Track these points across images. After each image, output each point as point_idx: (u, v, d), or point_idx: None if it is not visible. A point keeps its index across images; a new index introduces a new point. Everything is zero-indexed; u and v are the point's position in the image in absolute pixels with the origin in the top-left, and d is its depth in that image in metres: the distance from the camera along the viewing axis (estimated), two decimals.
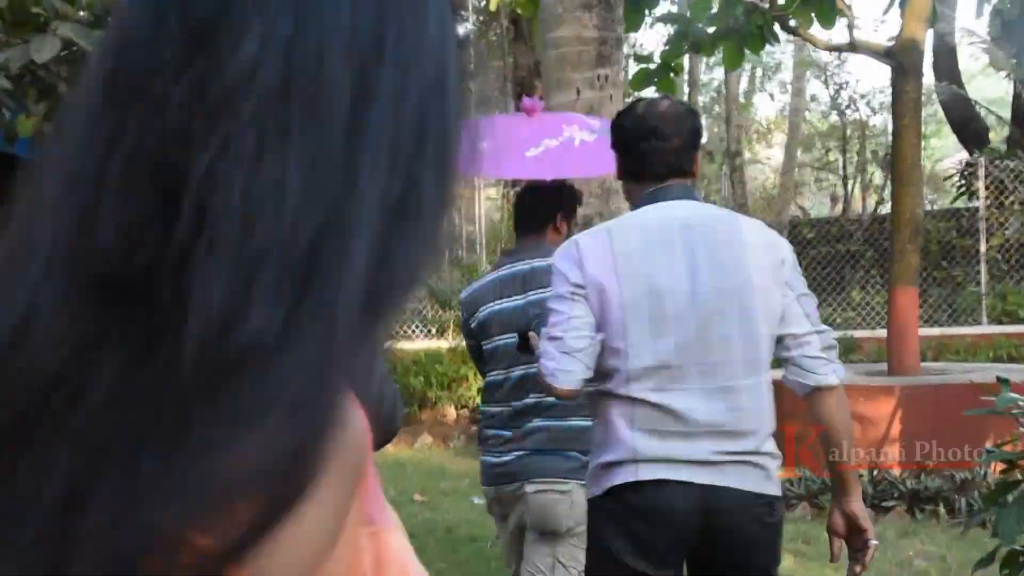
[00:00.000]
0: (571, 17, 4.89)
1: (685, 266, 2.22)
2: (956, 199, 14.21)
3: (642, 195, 2.34)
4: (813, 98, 19.01)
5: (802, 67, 18.30)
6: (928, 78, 17.02)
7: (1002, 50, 14.59)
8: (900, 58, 7.51)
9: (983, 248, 11.53)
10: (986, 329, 10.89)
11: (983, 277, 11.48)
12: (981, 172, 11.74)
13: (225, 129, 0.49)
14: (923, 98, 17.41)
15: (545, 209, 3.11)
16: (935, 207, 14.23)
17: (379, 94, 0.52)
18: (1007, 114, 14.67)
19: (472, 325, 3.14)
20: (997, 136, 15.71)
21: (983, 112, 16.03)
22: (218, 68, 0.50)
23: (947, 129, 18.07)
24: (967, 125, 15.69)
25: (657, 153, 2.30)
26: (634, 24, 7.75)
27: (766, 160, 21.48)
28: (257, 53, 0.50)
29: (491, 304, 3.06)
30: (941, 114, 17.03)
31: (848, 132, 16.24)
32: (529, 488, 2.98)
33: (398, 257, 0.53)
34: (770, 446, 2.25)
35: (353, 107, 0.51)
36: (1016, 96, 14.05)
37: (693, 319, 2.20)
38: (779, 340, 2.26)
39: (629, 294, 2.21)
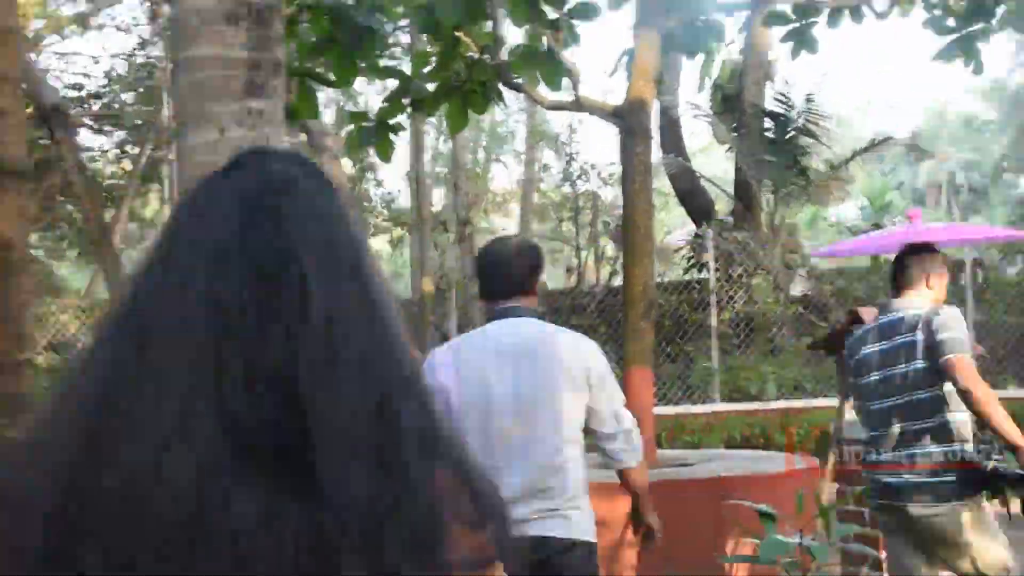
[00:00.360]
0: (210, 32, 3.68)
1: (511, 372, 2.88)
2: (687, 271, 14.13)
3: (494, 311, 3.00)
4: (546, 168, 18.78)
5: (535, 137, 18.05)
6: (655, 152, 17.25)
7: (724, 124, 14.82)
8: (628, 118, 6.89)
9: (714, 322, 11.29)
10: (719, 407, 10.56)
11: (714, 352, 11.21)
12: (710, 244, 11.57)
13: (313, 355, 0.80)
14: (651, 169, 17.69)
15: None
16: (665, 280, 14.07)
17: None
18: (730, 189, 14.87)
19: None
20: (722, 209, 15.95)
21: (708, 186, 16.27)
22: (303, 316, 0.81)
23: (674, 202, 18.33)
24: (694, 198, 15.83)
25: (500, 277, 2.99)
26: (345, 79, 6.76)
27: (502, 230, 21.12)
28: (326, 309, 0.82)
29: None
30: (668, 187, 17.24)
31: (580, 202, 16.00)
32: None
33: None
34: (576, 503, 2.90)
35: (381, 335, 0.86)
36: (738, 170, 14.26)
37: (513, 414, 2.86)
38: (593, 432, 2.97)
39: (467, 391, 2.89)
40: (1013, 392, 11.24)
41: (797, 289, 12.92)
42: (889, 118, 42.53)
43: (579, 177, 16.02)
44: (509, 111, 20.56)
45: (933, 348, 3.42)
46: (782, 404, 10.66)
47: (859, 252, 8.16)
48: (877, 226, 13.39)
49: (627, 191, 6.91)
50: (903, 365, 3.50)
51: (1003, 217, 33.68)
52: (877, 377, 3.58)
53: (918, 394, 3.48)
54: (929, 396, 3.46)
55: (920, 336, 3.46)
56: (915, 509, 3.40)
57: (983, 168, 42.07)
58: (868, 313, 4.20)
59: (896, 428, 3.51)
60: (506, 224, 21.64)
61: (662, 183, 18.37)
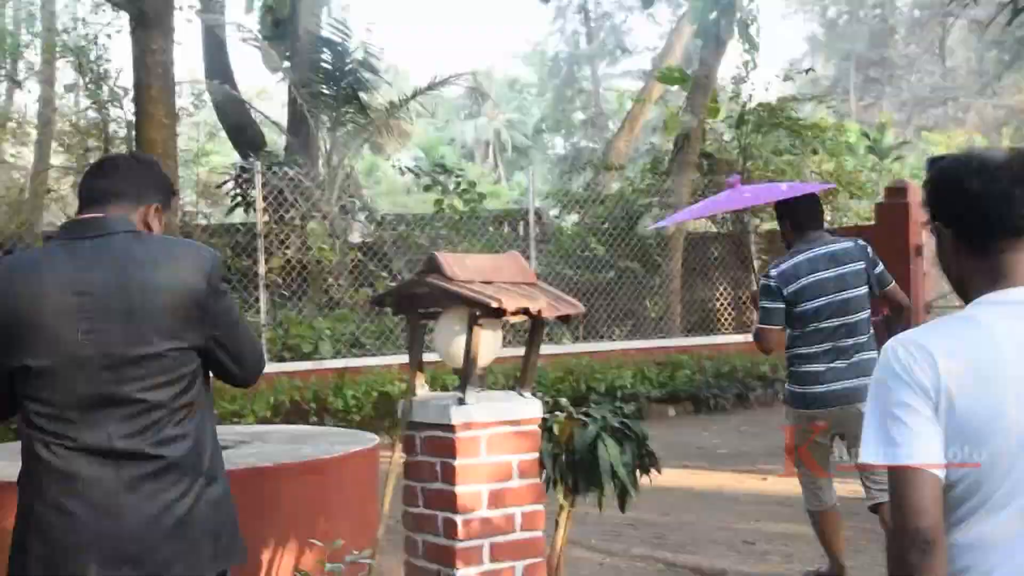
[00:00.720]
0: None
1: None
2: (230, 211, 12.52)
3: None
4: (70, 88, 15.96)
5: (51, 50, 15.20)
6: (201, 79, 15.30)
7: (275, 51, 13.35)
8: (142, 3, 5.24)
9: (262, 270, 9.90)
10: (268, 368, 9.23)
11: (263, 305, 9.84)
12: (258, 179, 10.09)
13: None
14: (196, 100, 15.68)
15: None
16: (211, 222, 12.35)
17: None
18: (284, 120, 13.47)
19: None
20: (274, 145, 14.50)
21: (259, 118, 14.71)
22: None
23: (223, 137, 16.54)
24: (243, 132, 14.22)
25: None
26: None
27: (14, 158, 17.83)
28: None
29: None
30: (215, 120, 15.39)
31: (112, 130, 13.66)
32: None
33: None
34: None
35: None
36: (292, 103, 12.88)
37: None
38: None
39: None
40: (570, 347, 11.19)
41: (356, 236, 11.91)
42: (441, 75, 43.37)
43: (110, 101, 13.66)
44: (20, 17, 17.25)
45: (874, 276, 4.56)
46: (339, 363, 9.60)
47: (696, 216, 8.45)
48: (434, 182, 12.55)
49: (141, 100, 5.31)
50: (852, 289, 4.50)
51: (541, 174, 35.78)
52: (828, 300, 4.48)
53: (861, 314, 4.51)
54: (866, 315, 4.52)
55: (862, 265, 4.53)
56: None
57: (525, 128, 44.73)
58: (454, 261, 3.14)
59: (849, 342, 4.48)
60: (23, 153, 18.35)
61: (209, 113, 16.46)
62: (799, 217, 4.63)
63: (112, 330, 2.14)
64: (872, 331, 4.55)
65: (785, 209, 4.70)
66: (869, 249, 4.60)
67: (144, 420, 2.18)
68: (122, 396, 2.16)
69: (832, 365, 4.45)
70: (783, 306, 4.49)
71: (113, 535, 2.15)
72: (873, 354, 4.34)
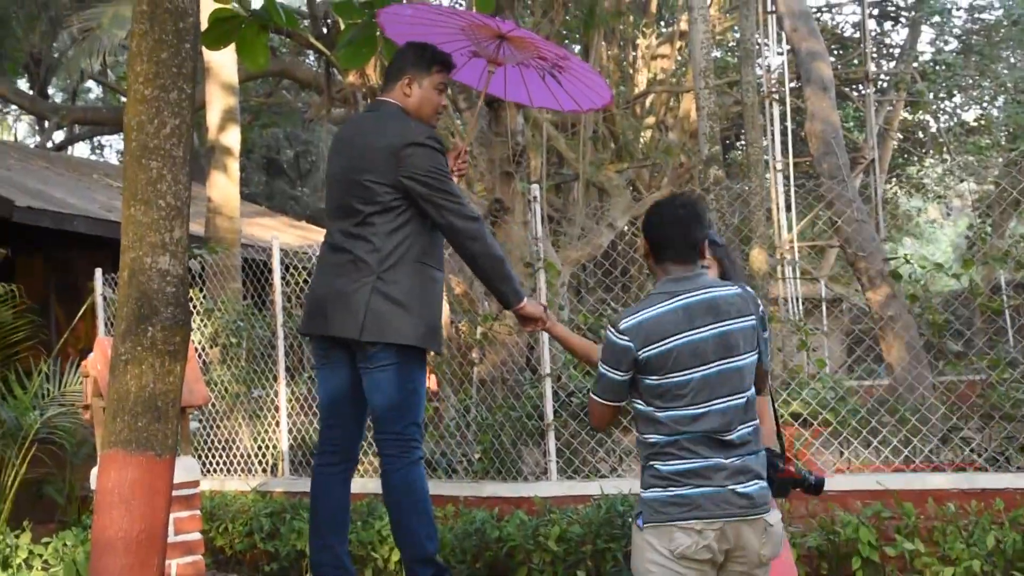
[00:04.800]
0: None
1: None
2: None
3: None
4: None
5: None
6: None
7: None
8: None
9: None
10: None
11: None
12: None
13: None
14: None
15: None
16: None
17: None
18: None
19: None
20: None
21: None
22: None
23: None
24: None
25: None
26: None
27: None
28: None
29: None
30: None
31: None
32: None
33: None
34: None
35: None
36: None
37: None
38: None
39: None
40: None
41: None
42: None
43: None
44: None
45: (761, 340, 3.00)
46: None
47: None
48: None
49: None
50: (741, 356, 2.92)
51: None
52: (714, 370, 2.89)
53: (750, 392, 2.96)
54: (752, 393, 2.98)
55: (753, 322, 2.96)
56: (771, 516, 2.90)
57: None
58: None
59: (740, 432, 2.91)
60: None
61: None
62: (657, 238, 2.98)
63: None
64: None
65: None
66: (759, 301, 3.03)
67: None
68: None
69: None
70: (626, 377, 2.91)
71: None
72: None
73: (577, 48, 15.85)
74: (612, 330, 2.93)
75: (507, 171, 8.12)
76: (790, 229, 10.72)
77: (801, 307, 11.17)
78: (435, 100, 3.84)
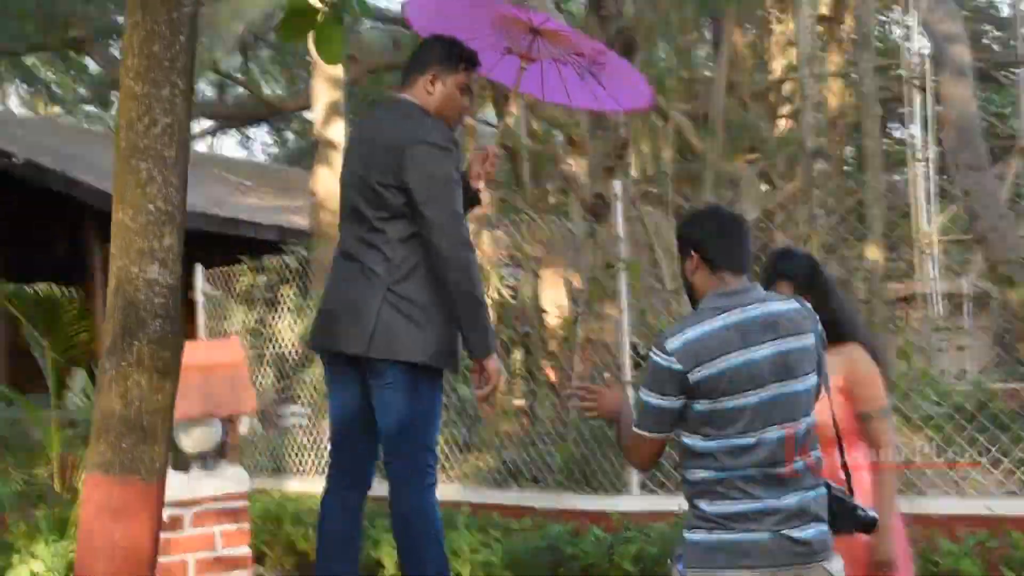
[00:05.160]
0: None
1: None
2: None
3: None
4: None
5: None
6: None
7: None
8: None
9: None
10: None
11: None
12: None
13: None
14: None
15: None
16: None
17: None
18: None
19: None
20: None
21: None
22: None
23: None
24: None
25: None
26: None
27: None
28: None
29: None
30: None
31: None
32: None
33: None
34: None
35: None
36: None
37: None
38: None
39: None
40: None
41: None
42: None
43: None
44: None
45: (822, 360, 2.66)
46: None
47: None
48: None
49: None
50: (801, 377, 2.58)
51: None
52: (772, 393, 2.55)
53: (809, 419, 2.61)
54: (812, 419, 2.63)
55: (813, 340, 2.63)
56: (833, 565, 2.55)
57: None
58: None
59: (798, 464, 2.55)
60: None
61: None
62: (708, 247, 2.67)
63: None
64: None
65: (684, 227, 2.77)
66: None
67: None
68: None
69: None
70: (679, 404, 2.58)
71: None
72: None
73: (708, 36, 15.26)
74: (657, 351, 2.58)
75: (608, 166, 7.75)
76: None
77: (943, 304, 10.38)
78: (459, 101, 3.54)
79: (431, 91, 3.50)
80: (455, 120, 3.58)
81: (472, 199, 3.67)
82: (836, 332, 3.05)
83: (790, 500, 2.51)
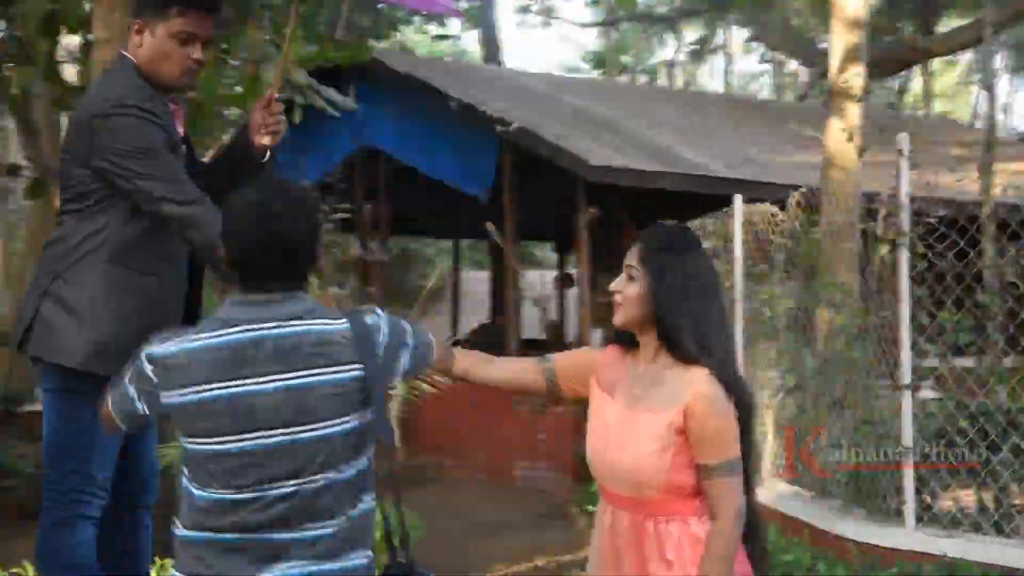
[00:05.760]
0: None
1: None
2: None
3: None
4: None
5: None
6: None
7: None
8: None
9: None
10: None
11: None
12: None
13: None
14: None
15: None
16: None
17: None
18: None
19: None
20: None
21: None
22: None
23: None
24: None
25: None
26: None
27: None
28: None
29: None
30: None
31: None
32: None
33: None
34: None
35: None
36: None
37: None
38: None
39: None
40: None
41: None
42: None
43: None
44: None
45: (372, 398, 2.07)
46: None
47: None
48: None
49: None
50: (321, 423, 2.02)
51: None
52: (275, 440, 2.00)
53: (334, 475, 2.04)
54: (347, 475, 2.06)
55: (355, 374, 2.04)
56: None
57: None
58: None
59: (308, 533, 2.01)
60: None
61: None
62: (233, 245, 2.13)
63: None
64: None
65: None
66: (382, 332, 2.13)
67: None
68: None
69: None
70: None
71: None
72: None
73: None
74: (142, 352, 2.13)
75: None
76: None
77: None
78: (176, 54, 2.86)
79: (139, 43, 2.88)
80: (176, 79, 2.90)
81: (256, 158, 2.98)
82: (677, 348, 2.36)
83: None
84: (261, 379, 1.99)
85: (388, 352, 2.09)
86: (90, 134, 2.78)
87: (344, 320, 2.06)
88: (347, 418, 2.03)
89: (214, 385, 2.00)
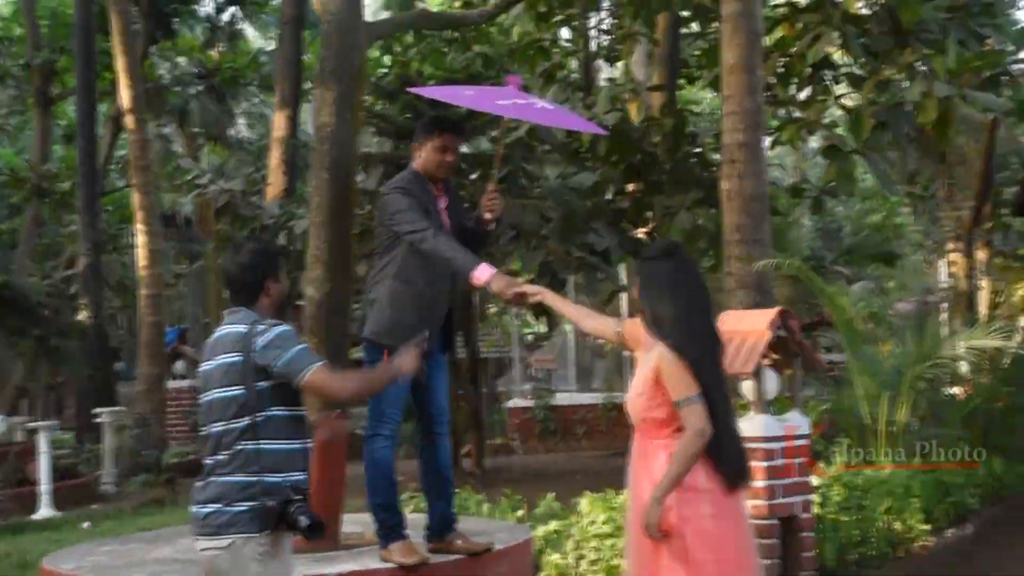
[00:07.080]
0: None
1: None
2: None
3: None
4: None
5: None
6: None
7: None
8: None
9: None
10: None
11: None
12: None
13: None
14: None
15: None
16: None
17: None
18: None
19: None
20: None
21: None
22: None
23: None
24: None
25: None
26: None
27: None
28: None
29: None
30: None
31: None
32: None
33: None
34: None
35: None
36: None
37: None
38: None
39: None
40: None
41: None
42: None
43: None
44: None
45: (247, 372, 3.39)
46: None
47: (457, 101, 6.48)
48: None
49: None
50: (218, 390, 3.41)
51: None
52: (207, 399, 3.47)
53: (226, 424, 3.40)
54: (231, 427, 3.39)
55: (237, 359, 3.37)
56: (218, 543, 3.39)
57: None
58: None
59: (216, 456, 3.40)
60: None
61: None
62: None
63: None
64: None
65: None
66: (264, 336, 3.33)
67: None
68: None
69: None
70: None
71: None
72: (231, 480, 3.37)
73: None
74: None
75: None
76: None
77: None
78: (436, 159, 4.61)
79: (417, 155, 4.67)
80: (440, 172, 4.66)
81: (484, 234, 4.70)
82: (652, 330, 3.57)
83: (206, 483, 3.33)
84: (207, 361, 3.41)
85: (264, 349, 3.29)
86: (381, 206, 4.65)
87: (241, 325, 3.34)
88: (231, 387, 3.31)
89: (205, 364, 3.43)
